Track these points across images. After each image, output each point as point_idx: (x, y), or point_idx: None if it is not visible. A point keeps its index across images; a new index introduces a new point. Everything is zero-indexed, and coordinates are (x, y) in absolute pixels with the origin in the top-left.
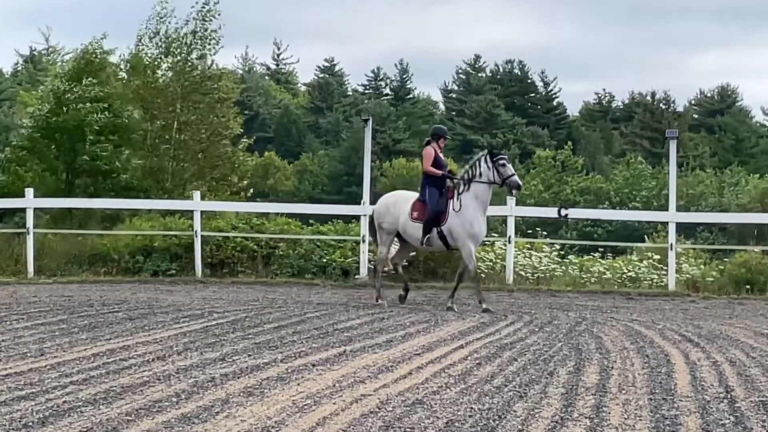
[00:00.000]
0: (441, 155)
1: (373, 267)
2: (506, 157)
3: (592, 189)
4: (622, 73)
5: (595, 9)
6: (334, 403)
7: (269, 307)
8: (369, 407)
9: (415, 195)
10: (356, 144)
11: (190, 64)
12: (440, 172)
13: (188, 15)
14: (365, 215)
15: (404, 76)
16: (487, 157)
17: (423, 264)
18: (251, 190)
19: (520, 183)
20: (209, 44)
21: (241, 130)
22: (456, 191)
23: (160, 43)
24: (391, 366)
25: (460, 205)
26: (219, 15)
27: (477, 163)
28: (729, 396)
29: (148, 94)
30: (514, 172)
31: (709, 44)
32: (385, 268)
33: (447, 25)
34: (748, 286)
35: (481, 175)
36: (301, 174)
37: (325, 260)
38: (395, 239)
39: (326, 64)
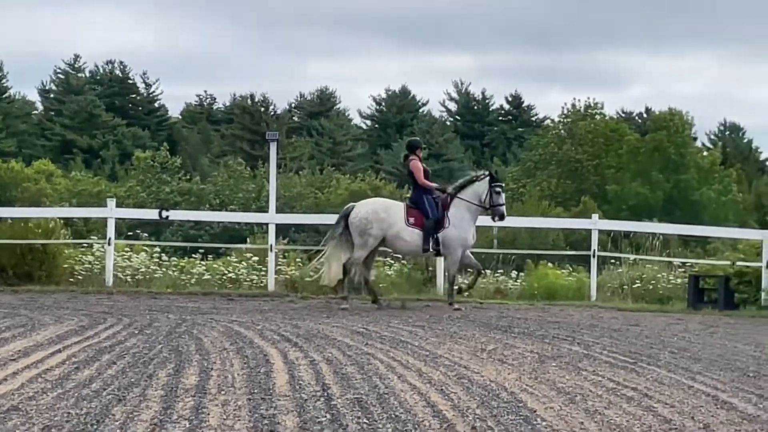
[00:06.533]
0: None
1: (350, 272)
2: (503, 185)
3: (193, 191)
4: (229, 77)
5: (209, 14)
6: None
7: None
8: None
9: (395, 202)
10: None
11: None
12: (434, 185)
13: None
14: None
15: None
16: (488, 180)
17: (17, 268)
18: None
19: (505, 214)
20: None
21: None
22: (449, 203)
23: None
24: None
25: (450, 219)
26: None
27: (475, 180)
28: (326, 394)
29: None
30: (504, 202)
31: (317, 51)
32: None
33: (49, 27)
34: None
35: (474, 192)
36: None
37: None
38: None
39: None
